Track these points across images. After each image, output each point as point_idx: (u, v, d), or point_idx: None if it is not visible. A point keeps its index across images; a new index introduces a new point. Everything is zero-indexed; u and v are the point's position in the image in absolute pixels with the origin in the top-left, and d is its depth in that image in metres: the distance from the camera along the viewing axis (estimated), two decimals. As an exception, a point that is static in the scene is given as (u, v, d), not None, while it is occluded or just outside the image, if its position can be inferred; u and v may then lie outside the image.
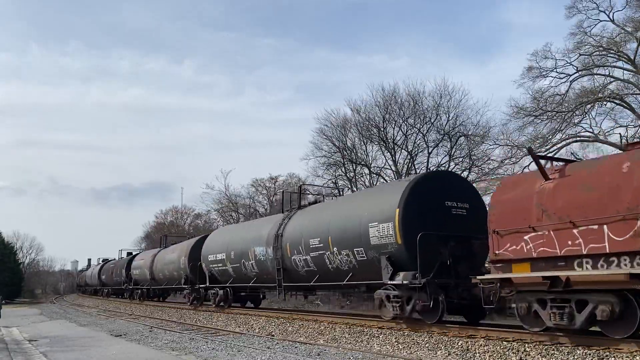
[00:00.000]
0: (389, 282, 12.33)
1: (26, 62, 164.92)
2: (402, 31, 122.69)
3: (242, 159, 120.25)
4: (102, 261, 52.54)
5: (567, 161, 10.30)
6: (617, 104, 26.94)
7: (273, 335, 13.61)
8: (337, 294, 22.91)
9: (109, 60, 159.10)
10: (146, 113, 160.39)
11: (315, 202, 18.78)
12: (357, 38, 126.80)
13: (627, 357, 7.69)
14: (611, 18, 27.56)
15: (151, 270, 31.66)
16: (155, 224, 74.04)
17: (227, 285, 21.29)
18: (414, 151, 31.80)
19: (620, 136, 25.44)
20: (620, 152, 12.17)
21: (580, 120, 27.83)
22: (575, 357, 8.05)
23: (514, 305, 9.82)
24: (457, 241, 12.02)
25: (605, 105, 27.39)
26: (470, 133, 30.50)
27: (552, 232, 8.96)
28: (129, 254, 44.98)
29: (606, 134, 27.10)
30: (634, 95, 26.70)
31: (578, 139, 27.83)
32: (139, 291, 34.91)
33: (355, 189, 33.09)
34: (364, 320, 14.02)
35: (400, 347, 10.55)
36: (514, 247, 9.61)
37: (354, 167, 34.10)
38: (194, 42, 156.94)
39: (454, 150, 30.79)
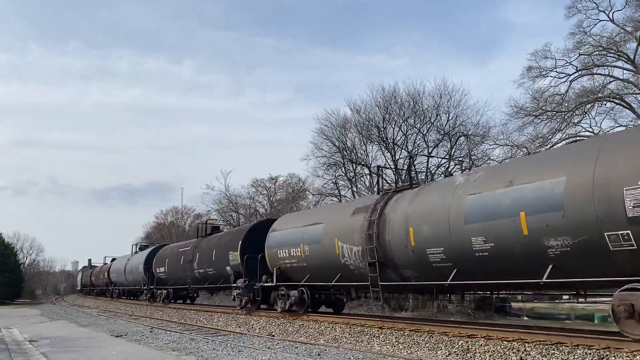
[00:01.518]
0: None
1: (26, 62, 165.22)
2: (402, 31, 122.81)
3: (242, 159, 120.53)
4: (140, 249, 36.71)
5: None
6: (617, 104, 26.91)
7: (273, 336, 13.61)
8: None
9: (109, 60, 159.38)
10: (146, 113, 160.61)
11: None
12: (357, 38, 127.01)
13: (627, 357, 7.69)
14: (611, 18, 27.55)
15: (381, 238, 12.77)
16: (155, 224, 74.07)
17: None
18: (413, 151, 31.76)
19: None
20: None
21: (580, 120, 27.84)
22: (575, 357, 8.04)
23: None
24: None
25: (605, 105, 27.37)
26: (470, 133, 30.52)
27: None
28: (214, 229, 25.14)
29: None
30: (634, 95, 26.68)
31: (578, 138, 27.75)
32: (295, 293, 16.17)
33: (355, 189, 33.09)
34: (364, 320, 14.00)
35: (401, 347, 10.56)
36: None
37: (354, 167, 34.11)
38: (194, 42, 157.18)
39: (454, 150, 30.81)
